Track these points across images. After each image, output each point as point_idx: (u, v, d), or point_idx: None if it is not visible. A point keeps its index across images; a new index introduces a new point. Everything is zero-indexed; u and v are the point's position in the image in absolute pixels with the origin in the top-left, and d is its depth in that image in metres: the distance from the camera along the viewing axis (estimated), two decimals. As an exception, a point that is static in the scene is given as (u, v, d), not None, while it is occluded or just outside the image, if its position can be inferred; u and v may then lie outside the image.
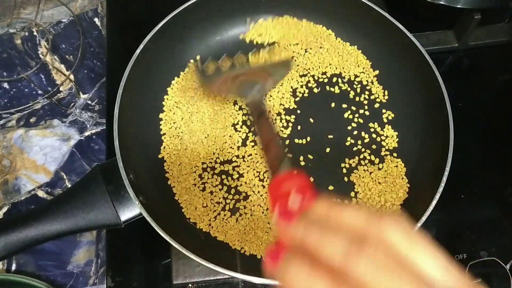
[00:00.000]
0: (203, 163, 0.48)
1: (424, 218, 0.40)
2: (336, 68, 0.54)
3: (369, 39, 0.54)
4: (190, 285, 0.45)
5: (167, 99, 0.51)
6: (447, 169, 0.42)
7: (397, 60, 0.52)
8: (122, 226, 0.41)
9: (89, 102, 0.58)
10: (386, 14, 0.50)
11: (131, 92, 0.46)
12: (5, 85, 0.58)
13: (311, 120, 0.51)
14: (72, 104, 0.57)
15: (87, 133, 0.56)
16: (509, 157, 0.53)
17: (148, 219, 0.39)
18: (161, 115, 0.50)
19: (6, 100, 0.57)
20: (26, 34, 0.61)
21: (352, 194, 0.47)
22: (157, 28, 0.49)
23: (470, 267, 0.42)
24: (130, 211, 0.40)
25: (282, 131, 0.50)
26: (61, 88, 0.58)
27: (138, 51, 0.47)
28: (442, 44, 0.57)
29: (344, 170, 0.48)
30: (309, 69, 0.53)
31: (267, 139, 0.36)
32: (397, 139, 0.50)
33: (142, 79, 0.49)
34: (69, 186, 0.53)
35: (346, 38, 0.55)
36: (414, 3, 0.56)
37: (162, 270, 0.47)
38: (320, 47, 0.54)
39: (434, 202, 0.41)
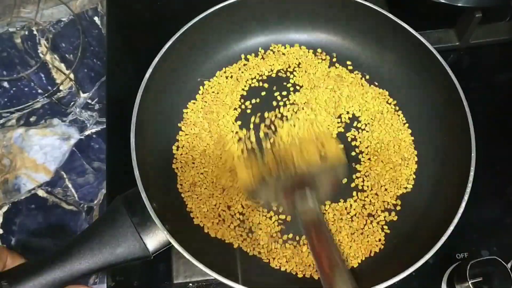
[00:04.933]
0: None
1: (455, 221, 0.41)
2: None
3: (377, 44, 0.54)
4: (190, 284, 0.45)
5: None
6: (472, 169, 0.43)
7: (407, 63, 0.52)
8: (152, 258, 0.40)
9: (89, 101, 0.57)
10: (392, 16, 0.50)
11: (144, 118, 0.45)
12: (5, 84, 0.58)
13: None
14: (72, 103, 0.57)
15: (87, 132, 0.56)
16: (511, 156, 0.53)
17: (179, 248, 0.38)
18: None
19: (6, 99, 0.57)
20: (26, 33, 0.61)
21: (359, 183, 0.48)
22: (166, 46, 0.48)
23: (471, 266, 0.42)
24: (158, 241, 0.39)
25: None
26: (61, 87, 0.58)
27: (147, 75, 0.46)
28: (443, 43, 0.57)
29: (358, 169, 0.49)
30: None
31: (323, 254, 0.32)
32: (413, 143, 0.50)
33: (154, 105, 0.48)
34: (69, 185, 0.53)
35: (353, 47, 0.55)
36: (415, 2, 0.56)
37: (162, 269, 0.47)
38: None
39: (463, 204, 0.42)
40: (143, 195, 0.40)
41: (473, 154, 0.43)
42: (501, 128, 0.55)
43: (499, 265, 0.42)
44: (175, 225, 0.41)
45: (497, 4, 0.55)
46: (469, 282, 0.41)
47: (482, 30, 0.57)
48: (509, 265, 0.43)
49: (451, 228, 0.40)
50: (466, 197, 0.42)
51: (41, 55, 0.60)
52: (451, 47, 0.58)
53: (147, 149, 0.45)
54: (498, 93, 0.57)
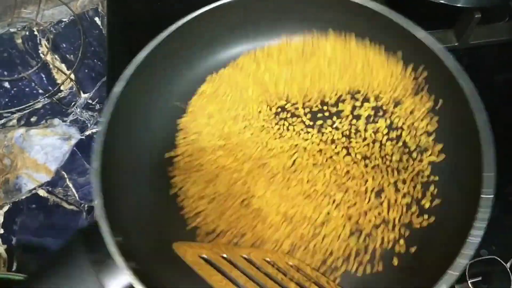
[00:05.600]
0: None
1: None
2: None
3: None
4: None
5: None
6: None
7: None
8: None
9: (89, 101, 0.58)
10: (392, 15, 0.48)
11: (116, 133, 0.41)
12: (6, 84, 0.58)
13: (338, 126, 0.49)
14: (72, 103, 0.57)
15: (87, 132, 0.56)
16: (509, 156, 0.53)
17: None
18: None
19: (7, 100, 0.57)
20: (27, 33, 0.61)
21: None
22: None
23: (470, 265, 0.42)
24: (120, 282, 0.34)
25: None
26: (61, 88, 0.58)
27: (118, 88, 0.42)
28: (442, 43, 0.57)
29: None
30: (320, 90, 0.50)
31: None
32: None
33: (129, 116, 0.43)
34: (70, 185, 0.53)
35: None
36: (414, 2, 0.56)
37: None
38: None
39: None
40: (104, 228, 0.34)
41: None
42: (501, 128, 0.55)
43: (499, 264, 0.42)
44: (150, 263, 0.36)
45: (496, 4, 0.55)
46: (468, 282, 0.42)
47: (481, 30, 0.57)
48: (508, 265, 0.43)
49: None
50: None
51: (42, 55, 0.60)
52: (450, 47, 0.58)
53: (118, 172, 0.41)
54: (497, 94, 0.57)
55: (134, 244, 0.37)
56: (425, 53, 0.46)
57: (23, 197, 0.52)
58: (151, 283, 0.34)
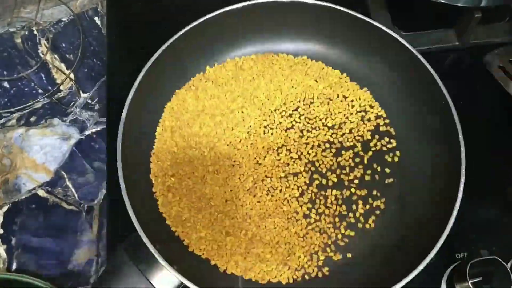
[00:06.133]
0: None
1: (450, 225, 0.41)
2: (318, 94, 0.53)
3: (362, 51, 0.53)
4: None
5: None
6: (463, 172, 0.43)
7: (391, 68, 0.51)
8: None
9: (89, 101, 0.58)
10: (374, 22, 0.49)
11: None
12: (5, 84, 0.58)
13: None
14: (72, 103, 0.57)
15: (87, 132, 0.56)
16: (510, 156, 0.53)
17: (191, 286, 0.38)
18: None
19: (6, 99, 0.57)
20: (26, 33, 0.61)
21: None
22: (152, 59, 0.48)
23: (471, 266, 0.42)
24: (172, 284, 0.38)
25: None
26: (61, 87, 0.58)
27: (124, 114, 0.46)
28: (442, 43, 0.57)
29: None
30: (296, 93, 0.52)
31: None
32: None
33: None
34: (70, 185, 0.53)
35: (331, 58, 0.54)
36: (414, 2, 0.56)
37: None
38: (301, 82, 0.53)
39: (456, 206, 0.42)
40: (146, 240, 0.39)
41: (463, 155, 0.44)
42: (501, 128, 0.55)
43: (499, 264, 0.42)
44: (183, 260, 0.40)
45: (497, 4, 0.55)
46: (469, 282, 0.41)
47: (481, 30, 0.57)
48: (508, 265, 0.43)
49: (444, 235, 0.40)
50: (457, 205, 0.42)
51: (41, 55, 0.60)
52: (451, 47, 0.58)
53: (137, 185, 0.45)
54: (497, 93, 0.57)
55: (170, 250, 0.40)
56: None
57: (23, 197, 0.52)
58: (195, 278, 0.38)
